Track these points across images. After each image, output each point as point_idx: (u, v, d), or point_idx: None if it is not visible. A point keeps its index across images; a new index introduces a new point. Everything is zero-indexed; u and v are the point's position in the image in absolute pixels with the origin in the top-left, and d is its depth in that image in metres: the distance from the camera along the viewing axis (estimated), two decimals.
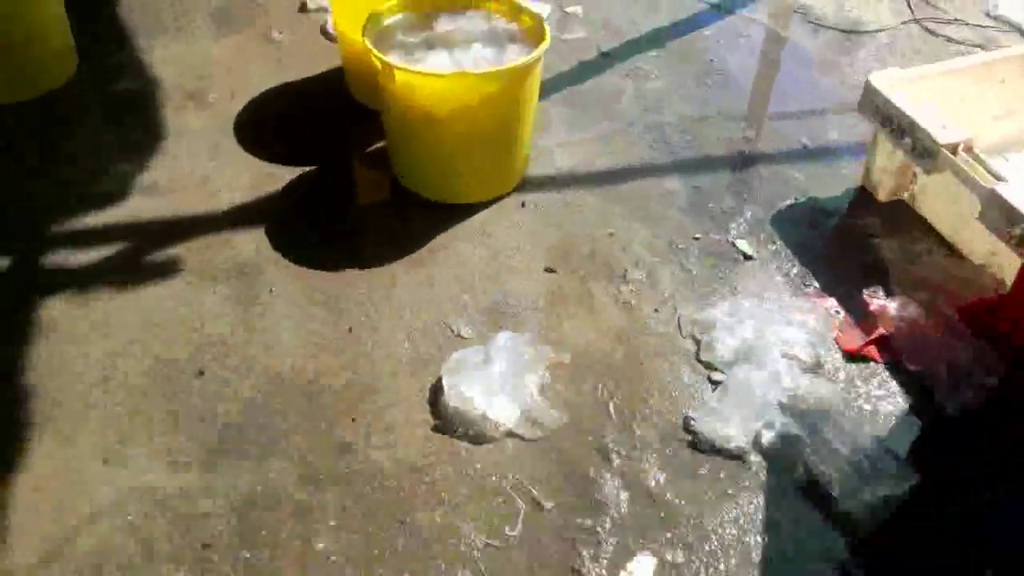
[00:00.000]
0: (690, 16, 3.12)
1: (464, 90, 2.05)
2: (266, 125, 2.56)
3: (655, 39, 3.00)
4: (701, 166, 2.47)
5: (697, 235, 2.25)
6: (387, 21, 2.26)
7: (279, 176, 2.38)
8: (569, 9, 3.13)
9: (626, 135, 2.57)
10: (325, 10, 3.02)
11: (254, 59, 2.82)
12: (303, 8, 3.05)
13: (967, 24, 3.09)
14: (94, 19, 2.96)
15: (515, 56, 2.16)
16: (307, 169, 2.41)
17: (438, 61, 2.14)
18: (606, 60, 2.89)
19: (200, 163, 2.42)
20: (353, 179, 2.41)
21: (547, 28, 2.17)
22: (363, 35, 2.15)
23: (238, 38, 2.91)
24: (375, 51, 2.06)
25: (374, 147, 2.48)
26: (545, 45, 2.11)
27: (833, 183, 2.41)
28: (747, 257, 2.19)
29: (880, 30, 3.06)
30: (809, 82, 2.81)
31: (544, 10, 3.11)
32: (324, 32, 2.94)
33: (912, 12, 3.14)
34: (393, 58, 2.13)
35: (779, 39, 3.01)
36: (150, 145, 2.47)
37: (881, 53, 2.95)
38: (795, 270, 2.15)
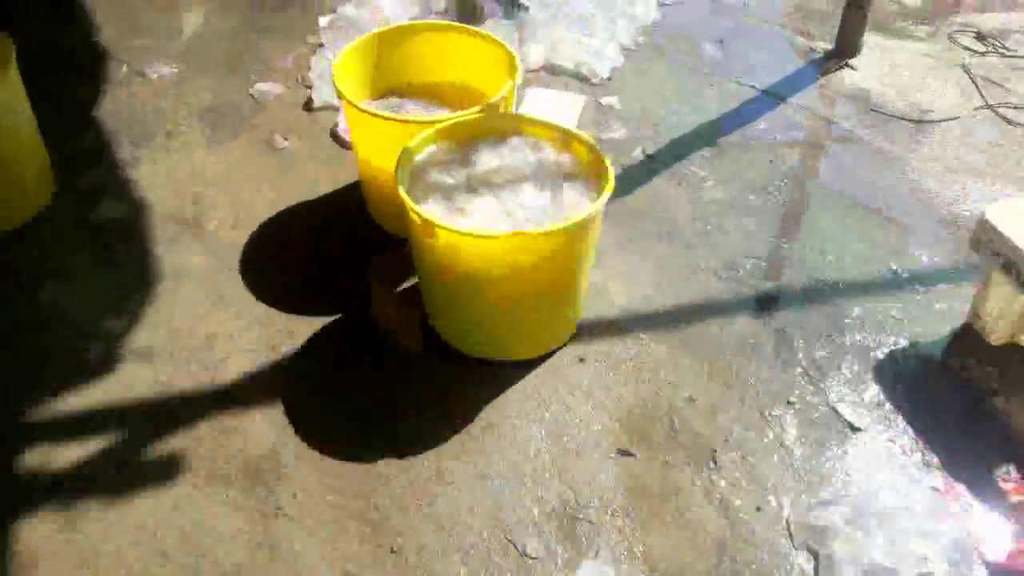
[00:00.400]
0: (738, 106, 2.82)
1: (520, 250, 1.73)
2: (277, 260, 2.22)
3: (704, 135, 2.69)
4: (780, 301, 2.16)
5: (791, 398, 1.93)
6: (419, 156, 1.93)
7: (296, 331, 2.04)
8: (605, 101, 2.83)
9: (687, 261, 2.25)
10: (335, 108, 2.69)
11: (257, 173, 2.48)
12: (308, 106, 2.72)
13: None
14: (72, 129, 2.61)
15: (573, 198, 1.84)
16: (328, 320, 2.08)
17: (485, 209, 1.81)
18: (653, 164, 2.58)
19: (202, 316, 2.07)
20: (380, 331, 2.07)
21: (608, 164, 1.86)
22: (396, 180, 1.82)
23: (237, 147, 2.58)
24: (411, 204, 1.74)
25: (404, 285, 2.15)
26: (609, 191, 1.79)
27: (931, 320, 2.11)
28: (854, 428, 1.88)
29: (951, 119, 2.78)
30: (884, 187, 2.51)
31: (578, 103, 2.79)
32: (335, 136, 2.61)
33: (983, 97, 2.86)
34: (432, 206, 1.81)
35: (841, 132, 2.72)
36: (141, 293, 2.13)
37: (957, 147, 2.66)
38: (911, 443, 1.84)
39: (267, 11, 3.18)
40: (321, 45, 2.93)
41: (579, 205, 1.83)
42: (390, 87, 2.35)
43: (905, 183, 2.52)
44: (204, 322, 2.06)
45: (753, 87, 2.90)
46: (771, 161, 2.60)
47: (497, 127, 2.02)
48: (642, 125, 2.73)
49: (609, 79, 2.90)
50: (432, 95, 2.34)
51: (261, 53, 2.96)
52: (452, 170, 1.91)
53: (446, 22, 2.34)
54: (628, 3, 3.19)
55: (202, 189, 2.42)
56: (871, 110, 2.81)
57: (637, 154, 2.62)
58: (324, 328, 2.06)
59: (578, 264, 1.88)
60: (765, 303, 2.16)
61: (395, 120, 2.03)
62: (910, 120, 2.77)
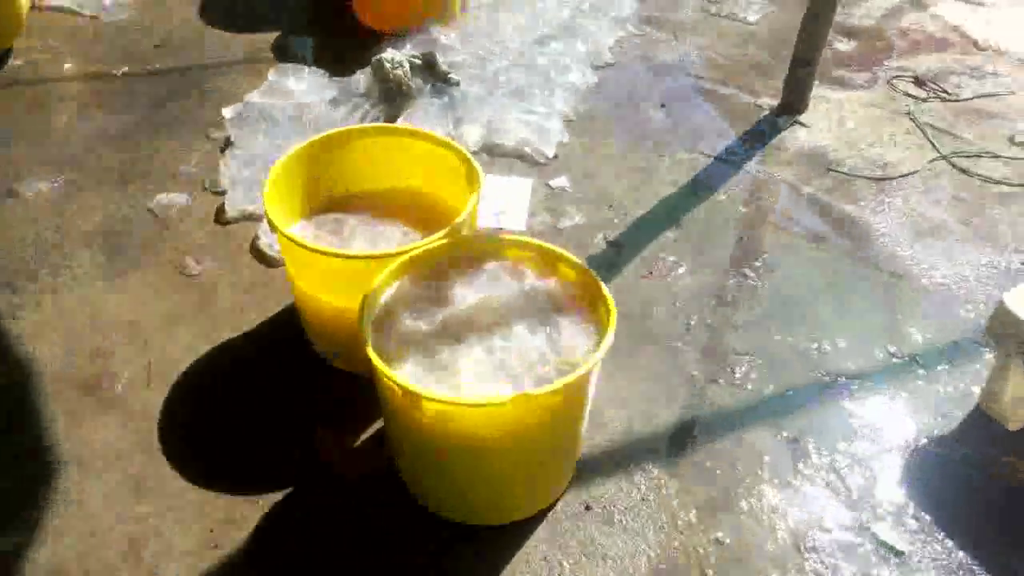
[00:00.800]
0: (693, 177, 2.64)
1: (526, 413, 1.45)
2: (206, 423, 1.86)
3: (665, 215, 2.49)
4: (785, 407, 1.96)
5: (827, 525, 1.73)
6: (384, 296, 1.63)
7: (242, 518, 1.69)
8: (555, 183, 2.59)
9: (676, 365, 2.03)
10: (253, 218, 2.35)
11: (170, 310, 2.10)
12: (221, 218, 2.36)
13: (997, 156, 2.76)
14: None
15: (571, 335, 1.58)
16: (280, 495, 1.73)
17: (474, 364, 1.53)
18: (617, 252, 2.36)
19: (120, 515, 1.69)
20: (346, 486, 1.75)
21: (605, 290, 1.61)
22: (360, 334, 1.51)
23: (141, 278, 2.19)
24: (388, 373, 1.43)
25: (366, 434, 1.84)
26: (612, 326, 1.53)
27: (943, 406, 1.96)
28: (897, 552, 1.69)
29: (909, 173, 2.69)
30: (861, 259, 2.37)
31: (527, 188, 2.56)
32: (257, 252, 2.27)
33: (936, 148, 2.79)
34: (411, 368, 1.51)
35: (806, 198, 2.57)
36: (39, 495, 1.72)
37: (922, 205, 2.56)
38: (957, 564, 1.67)
39: (161, 104, 2.79)
40: (228, 141, 2.58)
41: (579, 343, 1.57)
42: (329, 199, 2.04)
43: (881, 252, 2.39)
44: (123, 522, 1.67)
45: (705, 155, 2.73)
46: (742, 239, 2.42)
47: (466, 251, 1.75)
48: (599, 208, 2.51)
49: (555, 157, 2.67)
50: (377, 205, 2.04)
51: (158, 156, 2.57)
52: (425, 312, 1.62)
53: (392, 125, 2.05)
54: (562, 71, 2.98)
55: (103, 339, 2.03)
56: (829, 170, 2.68)
57: (599, 241, 2.39)
58: (277, 507, 1.71)
59: (583, 408, 1.62)
60: (771, 410, 1.95)
61: (344, 256, 1.72)
62: (870, 178, 2.66)
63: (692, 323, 2.15)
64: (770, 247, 2.39)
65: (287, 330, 2.04)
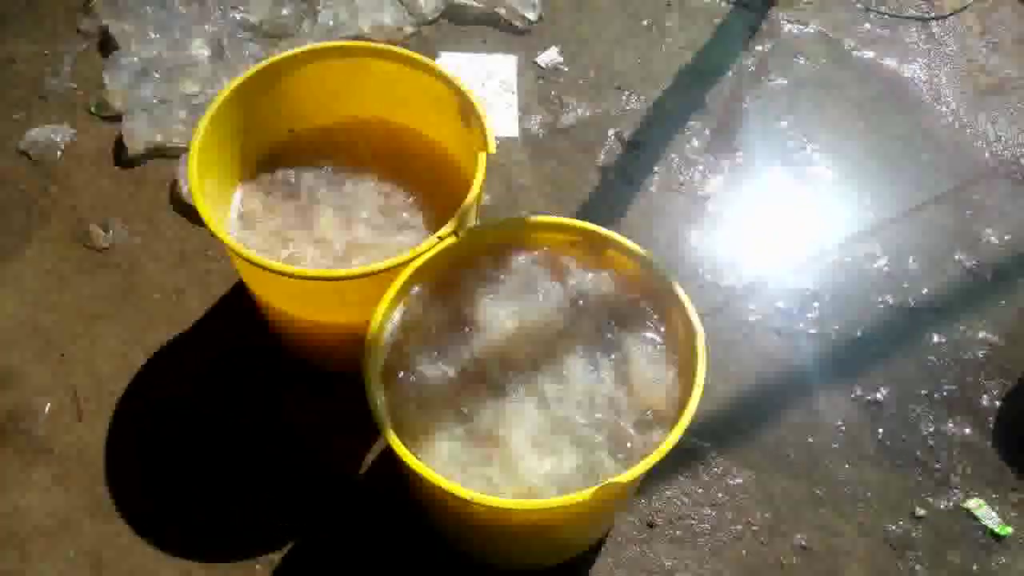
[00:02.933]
0: (710, 38, 2.16)
1: (603, 497, 1.14)
2: (166, 466, 1.49)
3: (685, 94, 2.04)
4: (856, 354, 1.70)
5: (919, 511, 1.54)
6: (389, 331, 1.23)
7: None
8: (544, 59, 2.09)
9: (736, 317, 1.73)
10: (166, 154, 1.81)
11: (81, 304, 1.64)
12: (123, 157, 1.82)
13: None
14: None
15: (645, 365, 1.24)
16: (278, 555, 1.43)
17: (527, 427, 1.18)
18: (636, 155, 1.94)
19: None
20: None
21: (677, 290, 1.25)
22: (372, 403, 1.14)
23: (32, 259, 1.69)
24: (426, 473, 1.08)
25: (372, 454, 1.52)
26: (702, 363, 1.19)
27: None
28: (997, 537, 1.53)
29: (963, 8, 2.26)
30: (919, 132, 2.01)
31: (510, 70, 2.06)
32: (179, 202, 1.77)
33: None
34: (447, 448, 1.16)
35: (846, 55, 2.14)
36: None
37: (983, 54, 2.17)
38: None
39: None
40: (107, 36, 1.95)
41: (655, 374, 1.23)
42: (273, 145, 1.55)
43: (939, 121, 2.03)
44: None
45: (722, 0, 2.23)
46: (777, 121, 2.02)
47: (482, 241, 1.34)
48: (604, 92, 2.04)
49: (540, 20, 2.14)
50: (337, 151, 1.56)
51: (13, 66, 1.94)
52: (446, 348, 1.24)
53: (353, 43, 1.49)
54: None
55: (3, 356, 1.58)
56: (868, 10, 2.23)
57: (611, 142, 1.97)
58: (280, 574, 1.42)
59: None
60: (841, 359, 1.69)
61: (322, 279, 1.28)
62: (917, 18, 2.23)
63: (737, 261, 1.82)
64: (813, 127, 2.00)
65: (243, 319, 1.63)
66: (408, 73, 1.49)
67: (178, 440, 1.52)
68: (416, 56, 1.48)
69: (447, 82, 1.45)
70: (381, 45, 1.50)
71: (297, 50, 1.47)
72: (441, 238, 1.29)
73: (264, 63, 1.44)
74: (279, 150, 1.55)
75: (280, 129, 1.55)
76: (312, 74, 1.50)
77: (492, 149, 1.37)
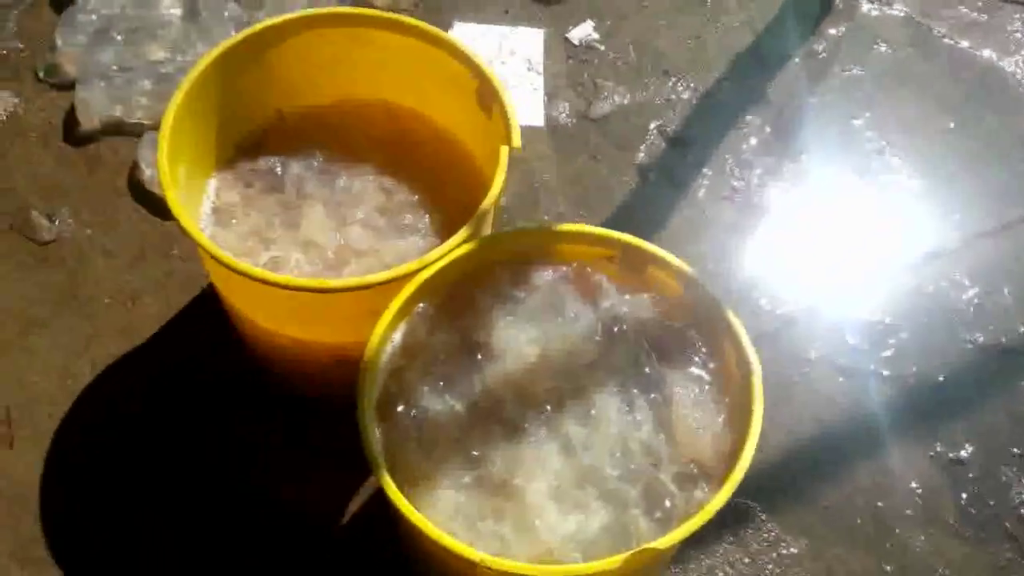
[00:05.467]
0: (773, 17, 2.17)
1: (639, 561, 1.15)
2: (114, 506, 1.49)
3: (742, 83, 2.05)
4: (936, 402, 1.71)
5: None
6: (388, 355, 1.24)
7: None
8: (576, 35, 2.10)
9: (791, 343, 1.74)
10: (126, 131, 1.83)
11: (19, 307, 1.64)
12: (75, 133, 1.83)
13: None
14: None
15: (689, 405, 1.24)
16: None
17: (548, 477, 1.18)
18: (682, 154, 1.95)
19: None
20: None
21: (730, 317, 1.26)
22: (365, 440, 1.15)
23: None
24: (430, 531, 1.08)
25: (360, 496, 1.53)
26: (759, 412, 1.20)
27: None
28: None
29: None
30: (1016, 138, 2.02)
31: (535, 44, 2.08)
32: (137, 189, 1.78)
33: None
34: (453, 498, 1.16)
35: (936, 42, 2.16)
36: None
37: None
38: None
39: None
40: None
41: (699, 419, 1.24)
42: (257, 127, 1.56)
43: None
44: None
45: None
46: (852, 121, 2.03)
47: (500, 252, 1.34)
48: (645, 76, 2.06)
49: None
50: (331, 136, 1.57)
51: None
52: (454, 377, 1.24)
53: (352, 11, 1.51)
54: None
55: None
56: None
57: (653, 137, 1.98)
58: None
59: None
60: (918, 408, 1.70)
61: (313, 290, 1.28)
62: (1020, 2, 2.25)
63: (774, 271, 1.83)
64: (892, 127, 2.01)
65: (209, 332, 1.63)
66: (418, 47, 1.50)
67: (124, 474, 1.53)
68: (428, 27, 1.49)
69: (465, 60, 1.46)
70: (386, 13, 1.51)
71: (287, 16, 1.48)
72: (452, 247, 1.30)
73: (249, 31, 1.46)
74: (263, 134, 1.56)
75: (265, 109, 1.56)
76: (304, 45, 1.51)
77: (517, 144, 1.38)
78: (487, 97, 1.45)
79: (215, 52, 1.42)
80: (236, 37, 1.45)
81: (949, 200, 1.93)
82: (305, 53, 1.52)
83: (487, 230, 1.44)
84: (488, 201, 1.34)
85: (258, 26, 1.46)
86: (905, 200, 1.93)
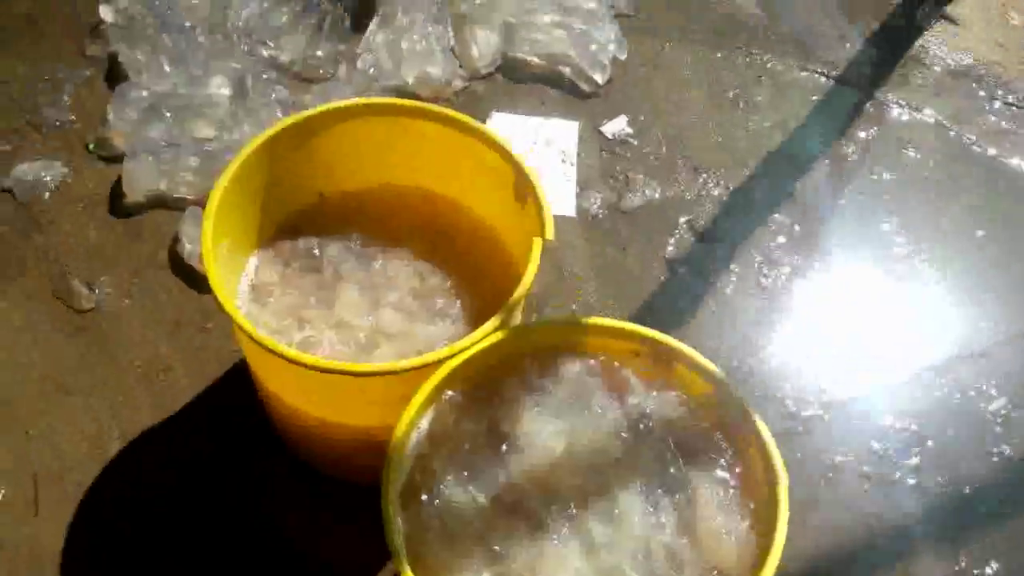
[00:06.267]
0: (806, 117, 2.21)
1: None
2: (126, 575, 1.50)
3: (772, 181, 2.07)
4: (962, 515, 1.68)
5: None
6: (414, 443, 1.24)
7: None
8: (610, 129, 2.13)
9: (817, 443, 1.72)
10: (169, 204, 1.87)
11: (52, 372, 1.66)
12: (119, 204, 1.87)
13: None
14: None
15: (714, 509, 1.23)
16: None
17: (569, 571, 1.18)
18: (709, 249, 1.96)
19: None
20: None
21: (759, 426, 1.25)
22: (388, 530, 1.15)
23: (3, 315, 1.73)
24: None
25: None
26: (785, 512, 1.19)
27: None
28: None
29: None
30: None
31: (570, 136, 2.11)
32: (177, 263, 1.81)
33: None
34: None
35: (966, 151, 2.18)
36: None
37: None
38: None
39: None
40: (116, 62, 2.04)
41: (723, 524, 1.23)
42: (297, 210, 1.59)
43: None
44: None
45: (819, 72, 2.29)
46: (882, 226, 2.03)
47: (529, 343, 1.35)
48: (676, 171, 2.08)
49: (609, 81, 2.20)
50: (369, 218, 1.60)
51: (9, 89, 2.02)
52: (478, 468, 1.24)
53: (394, 101, 1.55)
54: None
55: None
56: (994, 100, 2.27)
57: (682, 231, 2.00)
58: None
59: None
60: (944, 520, 1.66)
61: (342, 372, 1.30)
62: None
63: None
64: (922, 233, 2.02)
65: (240, 407, 1.64)
66: (458, 138, 1.54)
67: (150, 547, 1.52)
68: (468, 120, 1.53)
69: (503, 153, 1.49)
70: (430, 105, 1.55)
71: (334, 105, 1.53)
72: (482, 336, 1.31)
73: (296, 117, 1.49)
74: (304, 214, 1.59)
75: (307, 191, 1.60)
76: (349, 132, 1.55)
77: (551, 236, 1.40)
78: (523, 189, 1.48)
79: (263, 136, 1.46)
80: (284, 122, 1.48)
81: (978, 306, 1.92)
82: (349, 139, 1.56)
83: (517, 318, 1.45)
84: (519, 292, 1.35)
85: (305, 113, 1.50)
86: (933, 305, 1.92)
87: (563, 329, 1.39)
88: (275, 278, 1.53)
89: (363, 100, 1.55)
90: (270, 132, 1.47)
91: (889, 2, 2.44)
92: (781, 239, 1.99)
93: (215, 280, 1.32)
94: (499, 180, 1.52)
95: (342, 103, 1.54)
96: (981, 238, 2.03)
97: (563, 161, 2.08)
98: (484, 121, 2.09)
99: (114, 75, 2.04)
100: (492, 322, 1.32)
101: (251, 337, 1.29)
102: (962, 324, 1.90)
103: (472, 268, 1.57)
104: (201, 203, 1.84)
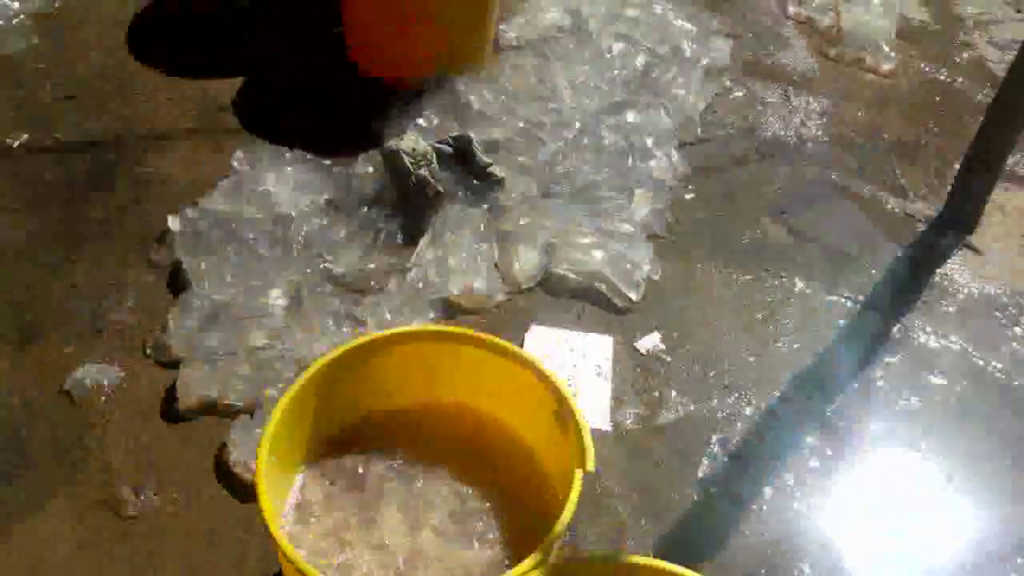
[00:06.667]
0: (833, 340, 2.27)
1: None
2: None
3: (803, 403, 2.11)
4: None
5: None
6: None
7: None
8: (644, 344, 2.20)
9: None
10: (220, 412, 1.92)
11: None
12: (172, 410, 1.92)
13: None
14: None
15: None
16: None
17: None
18: (741, 468, 1.98)
19: None
20: None
21: None
22: None
23: (47, 518, 1.74)
24: None
25: None
26: None
27: None
28: None
29: None
30: None
31: (605, 351, 2.18)
32: (224, 472, 1.84)
33: None
34: None
35: (993, 382, 2.22)
36: None
37: None
38: None
39: (77, 198, 2.34)
40: (179, 269, 2.15)
41: None
42: (344, 427, 1.65)
43: None
44: None
45: (845, 297, 2.37)
46: (911, 447, 2.06)
47: None
48: (708, 388, 2.13)
49: (643, 299, 2.29)
50: (412, 438, 1.65)
51: (77, 293, 2.13)
52: None
53: (442, 328, 1.67)
54: (641, 155, 2.59)
55: None
56: (1016, 325, 2.33)
57: (714, 449, 2.02)
58: None
59: None
60: None
61: None
62: None
63: None
64: (954, 460, 2.03)
65: None
66: (505, 365, 1.61)
67: None
68: (517, 349, 1.61)
69: (547, 382, 1.55)
70: (481, 334, 1.62)
71: (391, 332, 1.61)
72: (521, 572, 1.32)
73: (355, 342, 1.57)
74: (350, 431, 1.65)
75: (355, 409, 1.66)
76: (400, 354, 1.63)
77: (591, 468, 1.44)
78: (565, 418, 1.53)
79: (323, 360, 1.53)
80: (344, 347, 1.56)
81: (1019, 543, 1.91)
82: (400, 362, 1.64)
83: (555, 549, 1.47)
84: (559, 526, 1.38)
85: (363, 339, 1.59)
86: (971, 539, 1.91)
87: (600, 567, 1.40)
88: (320, 496, 1.56)
89: (418, 328, 1.67)
90: (330, 356, 1.54)
91: (914, 230, 2.55)
92: (813, 462, 2.01)
93: (266, 505, 1.36)
94: (541, 405, 1.57)
95: (399, 330, 1.63)
96: (1009, 468, 2.04)
97: (599, 375, 2.14)
98: (523, 333, 2.18)
99: (177, 282, 2.15)
100: (530, 560, 1.34)
101: (293, 563, 1.31)
102: (999, 553, 1.89)
103: (511, 490, 1.61)
104: (250, 411, 1.91)
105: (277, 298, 2.07)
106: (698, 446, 2.03)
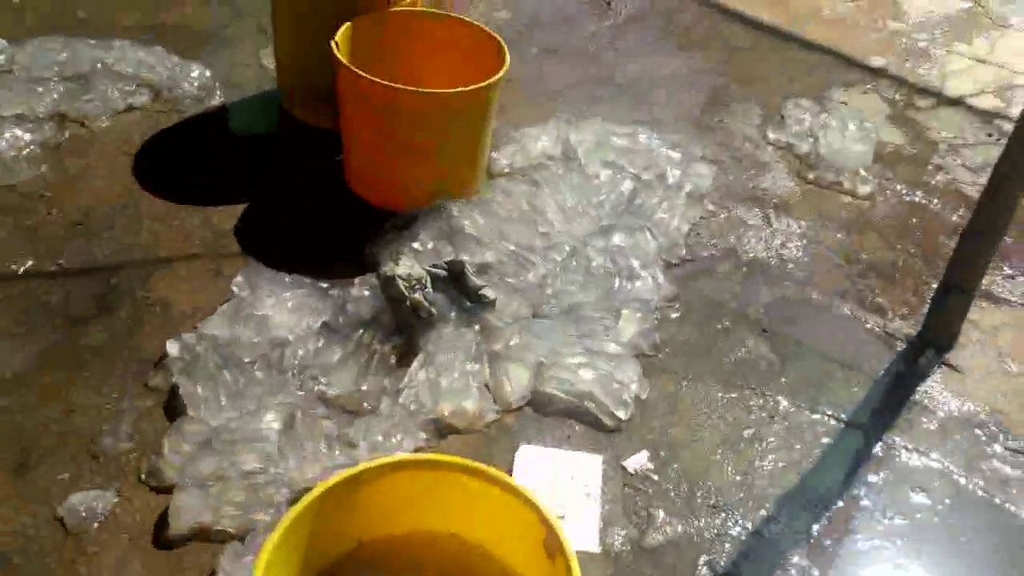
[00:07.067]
0: (819, 457, 2.29)
1: None
2: None
3: (789, 522, 2.13)
4: None
5: None
6: None
7: None
8: (632, 464, 2.22)
9: None
10: (211, 538, 1.93)
11: None
12: (163, 535, 1.92)
13: None
14: None
15: None
16: None
17: None
18: None
19: None
20: None
21: None
22: None
23: None
24: None
25: None
26: None
27: None
28: None
29: None
30: None
31: (594, 472, 2.20)
32: None
33: None
34: None
35: (976, 500, 2.24)
36: None
37: None
38: None
39: (78, 323, 2.38)
40: (176, 396, 2.19)
41: None
42: (335, 556, 1.66)
43: None
44: None
45: (829, 415, 2.40)
46: (900, 567, 2.06)
47: None
48: (696, 508, 2.15)
49: (631, 419, 2.32)
50: (405, 563, 1.67)
51: (74, 419, 2.16)
52: None
53: (437, 457, 1.71)
54: (628, 276, 2.66)
55: None
56: (1002, 445, 2.37)
57: (704, 572, 2.03)
58: None
59: None
60: None
61: None
62: None
63: None
64: None
65: None
66: (495, 493, 1.63)
67: None
68: (508, 479, 1.64)
69: (536, 511, 1.58)
70: (475, 464, 1.65)
71: (380, 461, 1.64)
72: None
73: (346, 474, 1.60)
74: (342, 561, 1.66)
75: (346, 538, 1.67)
76: (391, 483, 1.65)
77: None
78: (553, 548, 1.55)
79: (314, 492, 1.56)
80: (335, 479, 1.59)
81: None
82: (391, 490, 1.66)
83: None
84: None
85: (354, 470, 1.61)
86: None
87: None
88: None
89: (409, 456, 1.68)
90: (321, 487, 1.57)
91: (893, 349, 2.61)
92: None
93: None
94: (529, 534, 1.59)
95: (390, 459, 1.66)
96: None
97: (588, 496, 2.16)
98: (513, 453, 2.20)
99: (173, 407, 2.18)
100: None
101: None
102: None
103: None
104: (241, 536, 1.91)
105: (271, 421, 2.10)
106: (687, 568, 2.03)
